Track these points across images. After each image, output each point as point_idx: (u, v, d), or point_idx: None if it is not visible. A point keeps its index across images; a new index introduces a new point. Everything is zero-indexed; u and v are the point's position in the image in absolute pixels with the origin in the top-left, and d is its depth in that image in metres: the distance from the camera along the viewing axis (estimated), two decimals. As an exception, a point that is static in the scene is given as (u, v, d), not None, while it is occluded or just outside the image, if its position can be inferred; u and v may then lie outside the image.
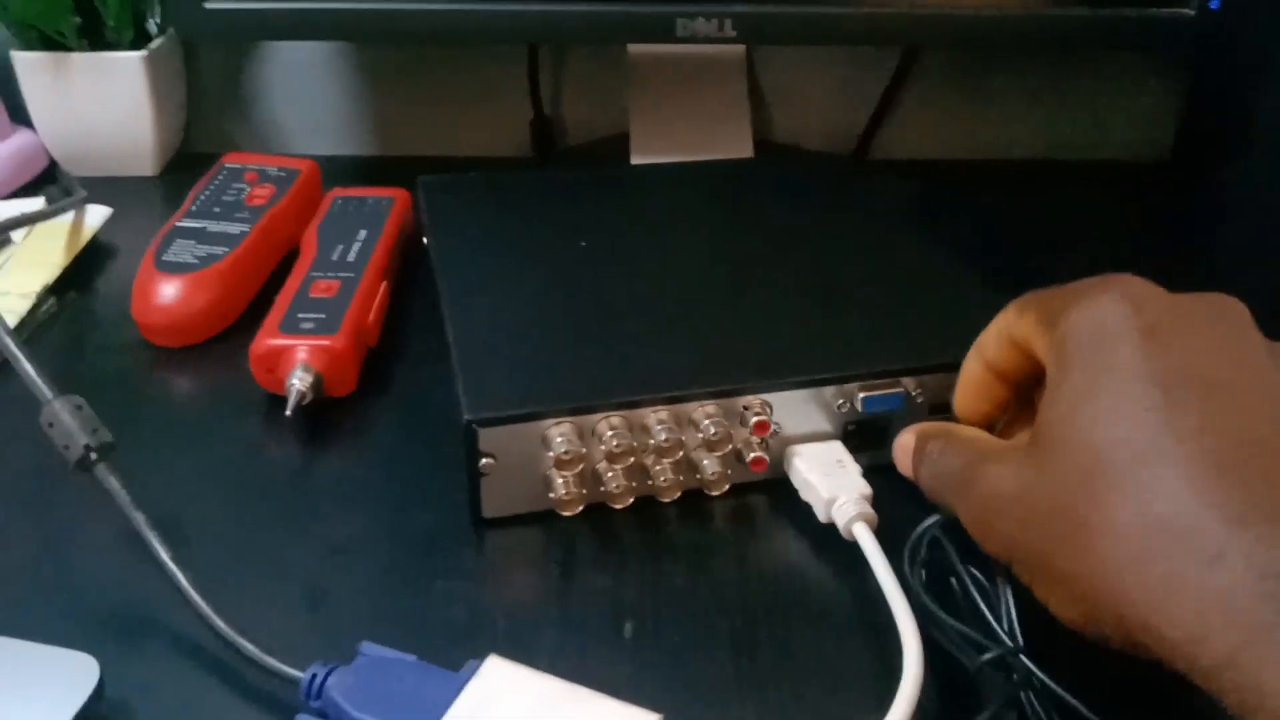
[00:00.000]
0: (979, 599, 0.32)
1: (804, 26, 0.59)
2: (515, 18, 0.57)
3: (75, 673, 0.31)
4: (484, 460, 0.37)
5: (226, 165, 0.58)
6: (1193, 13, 0.59)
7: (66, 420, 0.37)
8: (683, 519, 0.40)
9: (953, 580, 0.33)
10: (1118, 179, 0.72)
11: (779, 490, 0.41)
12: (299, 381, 0.42)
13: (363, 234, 0.52)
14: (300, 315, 0.45)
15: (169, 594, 0.34)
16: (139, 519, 0.35)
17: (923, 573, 0.34)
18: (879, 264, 0.48)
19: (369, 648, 0.32)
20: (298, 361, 0.43)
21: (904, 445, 0.36)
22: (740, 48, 0.67)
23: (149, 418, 0.45)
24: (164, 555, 0.35)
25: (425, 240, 0.52)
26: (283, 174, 0.57)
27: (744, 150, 0.66)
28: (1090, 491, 0.27)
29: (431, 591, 0.36)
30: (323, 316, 0.44)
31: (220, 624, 0.33)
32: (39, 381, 0.38)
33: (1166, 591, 0.25)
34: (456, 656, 0.31)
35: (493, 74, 0.71)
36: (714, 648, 0.34)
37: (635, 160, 0.65)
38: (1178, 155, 0.73)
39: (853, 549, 0.37)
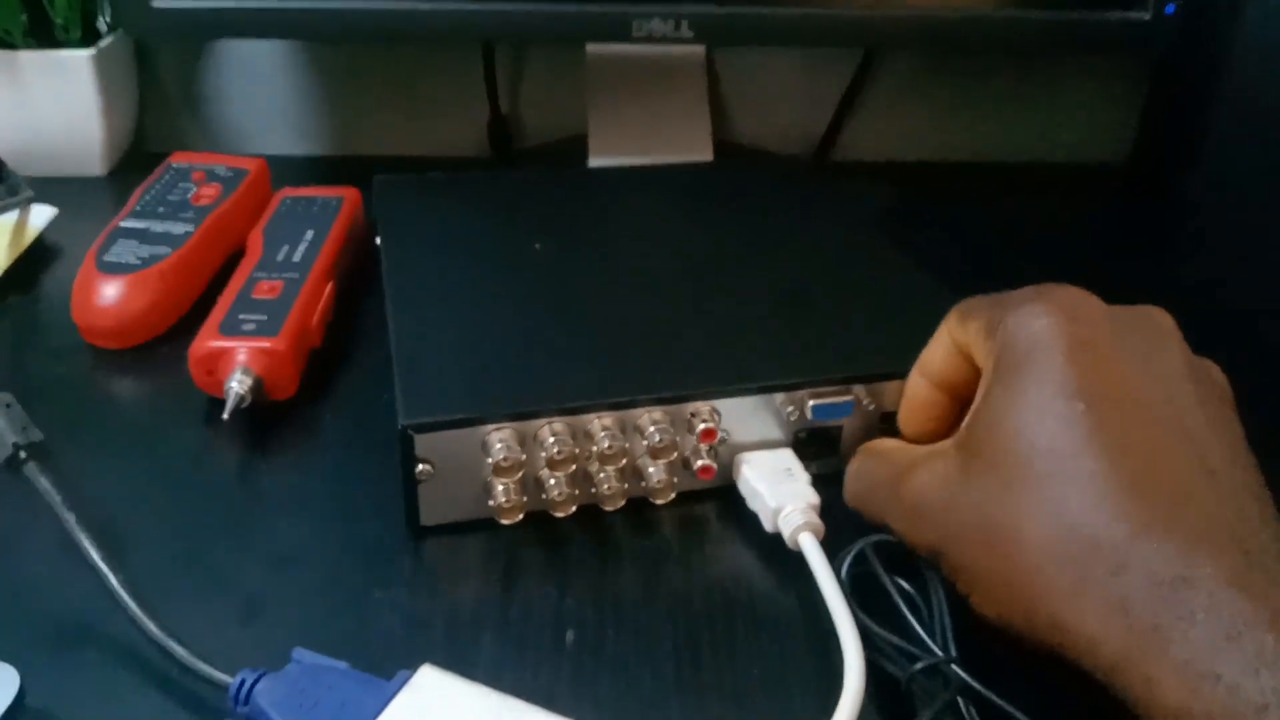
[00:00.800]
0: (907, 611, 0.32)
1: (762, 28, 0.59)
2: (470, 16, 0.57)
3: (-8, 684, 0.30)
4: (421, 467, 0.37)
5: (174, 165, 0.57)
6: (1148, 16, 0.59)
7: None
8: (627, 527, 0.39)
9: (893, 594, 0.33)
10: (1076, 182, 0.72)
11: (727, 498, 0.40)
12: (238, 384, 0.41)
13: (310, 234, 0.51)
14: (242, 316, 0.44)
15: (99, 599, 0.33)
16: (69, 519, 0.34)
17: (847, 585, 0.34)
18: (835, 270, 0.48)
19: (301, 654, 0.32)
20: (237, 364, 0.42)
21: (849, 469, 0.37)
22: (699, 48, 0.67)
23: (89, 421, 0.44)
24: (95, 556, 0.34)
25: (378, 240, 0.51)
26: (230, 173, 0.56)
27: (704, 152, 0.65)
28: (1011, 499, 0.28)
29: (370, 600, 0.36)
30: (264, 318, 0.44)
31: (150, 626, 0.32)
32: None
33: (1074, 596, 0.27)
34: (392, 667, 0.31)
35: (450, 73, 0.71)
36: (657, 657, 0.34)
37: (593, 161, 0.64)
38: (1136, 159, 0.73)
39: (799, 559, 0.36)
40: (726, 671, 0.33)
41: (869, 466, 0.36)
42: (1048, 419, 0.28)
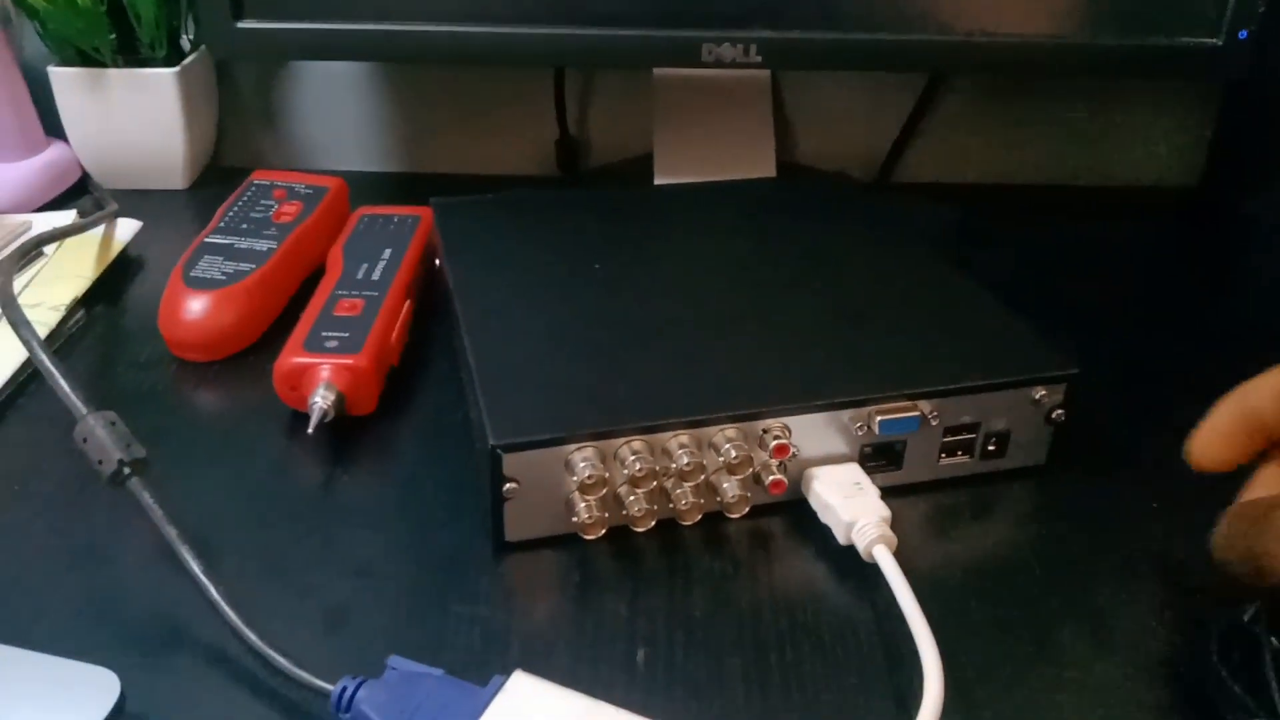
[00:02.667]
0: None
1: (829, 53, 0.60)
2: (544, 41, 0.58)
3: (95, 688, 0.31)
4: (508, 485, 0.38)
5: (255, 182, 0.59)
6: (1220, 42, 0.59)
7: (101, 436, 0.37)
8: (704, 542, 0.40)
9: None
10: (1146, 206, 0.72)
11: (797, 512, 0.41)
12: (321, 400, 0.43)
13: (388, 252, 0.53)
14: (324, 334, 0.45)
15: (197, 609, 0.35)
16: (172, 533, 0.36)
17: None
18: (899, 287, 0.48)
19: (397, 661, 0.33)
20: (320, 380, 0.43)
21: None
22: (766, 72, 0.67)
23: (175, 432, 0.45)
24: (196, 569, 0.35)
25: (438, 262, 0.52)
26: (310, 191, 0.58)
27: (767, 173, 0.66)
28: None
29: (448, 614, 0.37)
30: (346, 335, 0.45)
31: (252, 636, 0.34)
32: (73, 397, 0.38)
33: None
34: (472, 677, 0.32)
35: (520, 94, 0.72)
36: (728, 673, 0.35)
37: (659, 181, 0.65)
38: (1207, 183, 0.73)
39: (872, 571, 0.37)
40: (800, 685, 0.34)
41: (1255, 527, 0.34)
42: None
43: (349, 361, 0.44)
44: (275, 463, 0.44)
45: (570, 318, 0.45)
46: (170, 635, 0.35)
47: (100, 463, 0.37)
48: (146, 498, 0.36)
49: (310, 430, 0.42)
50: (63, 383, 0.39)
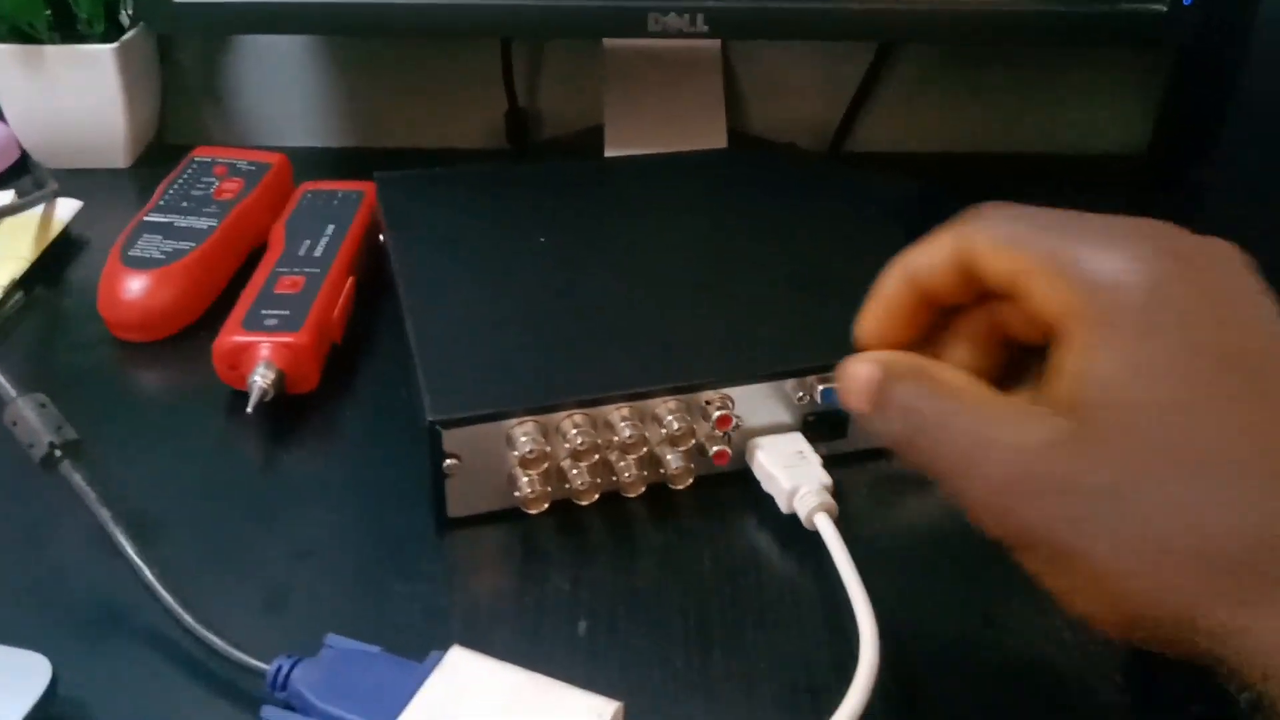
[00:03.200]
0: None
1: (778, 22, 0.59)
2: (489, 12, 0.57)
3: (26, 672, 0.31)
4: (448, 461, 0.37)
5: (196, 159, 0.58)
6: (1165, 8, 0.59)
7: (30, 418, 0.37)
8: (648, 513, 0.40)
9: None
10: (1092, 173, 0.72)
11: (743, 483, 0.41)
12: (260, 379, 0.42)
13: (330, 229, 0.52)
14: (264, 312, 0.44)
15: (133, 592, 0.34)
16: (105, 515, 0.35)
17: None
18: (847, 258, 0.48)
19: (334, 639, 0.33)
20: (260, 359, 0.43)
21: (859, 376, 0.30)
22: (716, 42, 0.67)
23: (116, 414, 0.45)
24: (130, 550, 0.35)
25: (382, 238, 0.52)
26: (253, 168, 0.57)
27: (719, 143, 0.66)
28: (1157, 482, 0.24)
29: (392, 593, 0.37)
30: (286, 313, 0.44)
31: (186, 617, 0.33)
32: (2, 380, 0.38)
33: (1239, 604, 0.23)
34: (414, 657, 0.32)
35: (468, 66, 0.71)
36: (670, 641, 0.35)
37: (610, 153, 0.65)
38: (1155, 150, 0.73)
39: (815, 539, 0.37)
40: (741, 651, 0.34)
41: (921, 401, 0.29)
42: (1180, 391, 0.24)
43: (289, 339, 0.43)
44: (217, 442, 0.43)
45: (513, 292, 0.45)
46: (106, 619, 0.35)
47: (31, 446, 0.37)
48: (78, 480, 0.36)
49: (250, 409, 0.42)
50: None
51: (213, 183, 0.56)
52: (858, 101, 0.73)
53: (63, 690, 0.31)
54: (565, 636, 0.35)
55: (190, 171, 0.57)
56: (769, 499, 0.40)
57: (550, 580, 0.37)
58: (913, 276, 0.31)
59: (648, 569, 0.38)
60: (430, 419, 0.37)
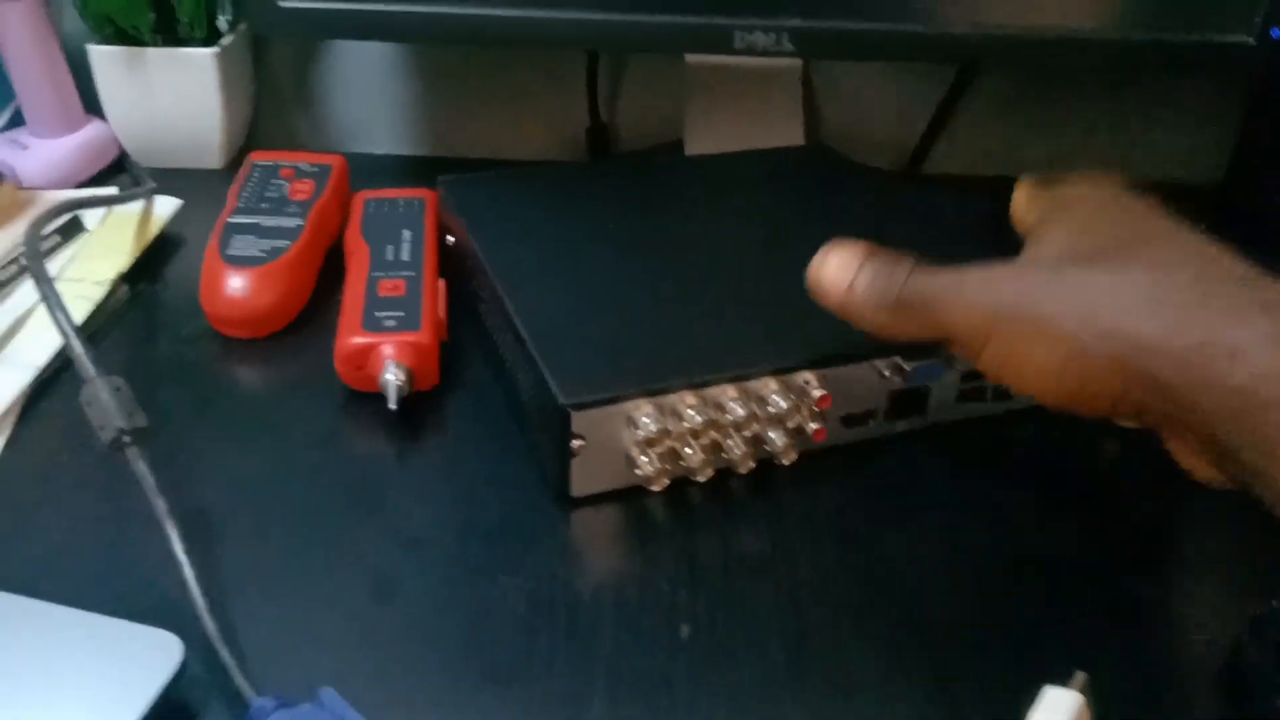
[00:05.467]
0: None
1: (862, 42, 0.60)
2: (580, 25, 0.58)
3: (158, 650, 0.32)
4: (576, 442, 0.39)
5: (256, 163, 0.59)
6: (1253, 40, 0.59)
7: (105, 400, 0.38)
8: (757, 488, 0.42)
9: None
10: (1169, 201, 0.72)
11: (846, 455, 0.44)
12: (393, 377, 0.43)
13: (407, 234, 0.53)
14: (378, 314, 0.46)
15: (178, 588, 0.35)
16: (161, 506, 0.36)
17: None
18: (923, 248, 0.49)
19: (328, 695, 0.32)
20: (388, 357, 0.44)
21: (834, 260, 0.39)
22: (798, 60, 0.68)
23: (212, 406, 0.46)
24: (177, 545, 0.35)
25: (447, 239, 0.53)
26: (316, 169, 0.58)
27: (797, 161, 0.67)
28: (1069, 290, 0.33)
29: (496, 584, 0.38)
30: (401, 314, 0.46)
31: (209, 624, 0.33)
32: (85, 359, 0.39)
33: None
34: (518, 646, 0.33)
35: (550, 78, 0.72)
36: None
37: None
38: (1230, 179, 0.73)
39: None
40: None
41: (909, 274, 0.37)
42: (1090, 230, 0.35)
43: (413, 338, 0.45)
44: (320, 434, 0.45)
45: (606, 282, 0.47)
46: (145, 612, 0.34)
47: (101, 428, 0.38)
48: (141, 467, 0.37)
49: (392, 406, 0.43)
50: (76, 344, 0.39)
51: (283, 184, 0.57)
52: (937, 122, 0.73)
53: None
54: (666, 635, 0.36)
55: (257, 174, 0.58)
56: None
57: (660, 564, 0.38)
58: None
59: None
60: (561, 402, 0.39)
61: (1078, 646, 0.36)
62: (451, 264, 0.53)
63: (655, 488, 0.41)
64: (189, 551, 0.35)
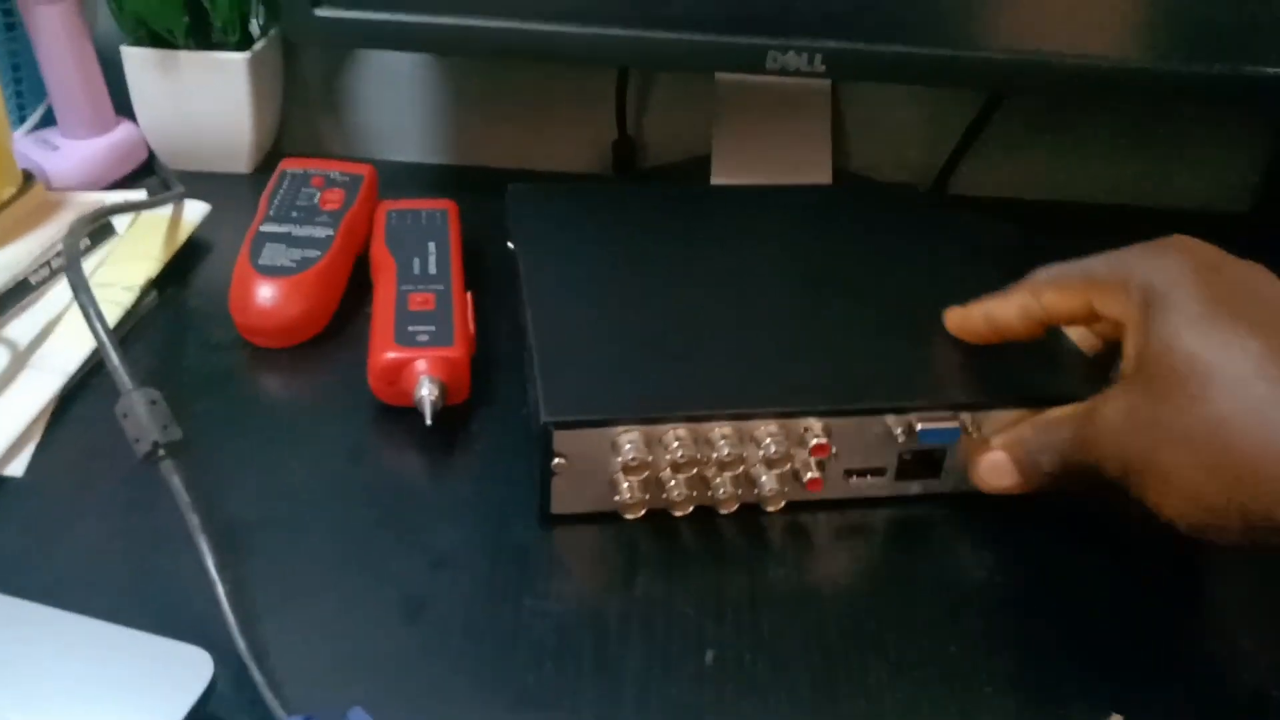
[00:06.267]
0: None
1: (893, 65, 0.60)
2: (615, 42, 0.58)
3: (189, 666, 0.32)
4: (556, 460, 0.39)
5: (287, 170, 0.59)
6: (1286, 72, 0.59)
7: (140, 413, 0.38)
8: (739, 531, 0.42)
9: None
10: (1197, 229, 0.72)
11: (834, 509, 0.43)
12: (428, 393, 0.44)
13: (432, 246, 0.53)
14: (411, 328, 0.46)
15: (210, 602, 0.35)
16: (194, 521, 0.36)
17: None
18: (947, 299, 0.48)
19: (357, 717, 0.32)
20: (422, 372, 0.44)
21: (996, 461, 0.41)
22: (826, 81, 0.68)
23: (240, 416, 0.46)
24: (210, 562, 0.35)
25: (510, 245, 0.53)
26: (347, 179, 0.58)
27: (823, 178, 0.67)
28: (1206, 408, 0.34)
29: (521, 609, 0.38)
30: (433, 328, 0.46)
31: (240, 641, 0.34)
32: (121, 371, 0.39)
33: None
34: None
35: (578, 91, 0.73)
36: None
37: (716, 183, 0.66)
38: (1261, 208, 0.73)
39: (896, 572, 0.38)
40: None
41: (1048, 436, 0.40)
42: (1213, 336, 0.35)
43: (446, 353, 0.45)
44: (348, 447, 0.45)
45: (630, 306, 0.47)
46: (174, 626, 0.35)
47: (137, 440, 0.38)
48: (175, 482, 0.37)
49: (429, 422, 0.43)
50: (113, 356, 0.40)
51: (314, 193, 0.57)
52: (964, 145, 0.73)
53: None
54: (693, 663, 0.36)
55: (288, 183, 0.58)
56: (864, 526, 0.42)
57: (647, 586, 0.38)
58: (992, 321, 0.43)
59: (736, 585, 0.39)
60: (544, 420, 0.39)
61: (1109, 689, 0.36)
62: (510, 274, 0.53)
63: (629, 515, 0.41)
64: (220, 567, 0.35)
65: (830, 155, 0.67)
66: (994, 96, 0.72)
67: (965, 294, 0.48)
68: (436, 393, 0.43)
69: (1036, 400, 0.42)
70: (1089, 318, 0.41)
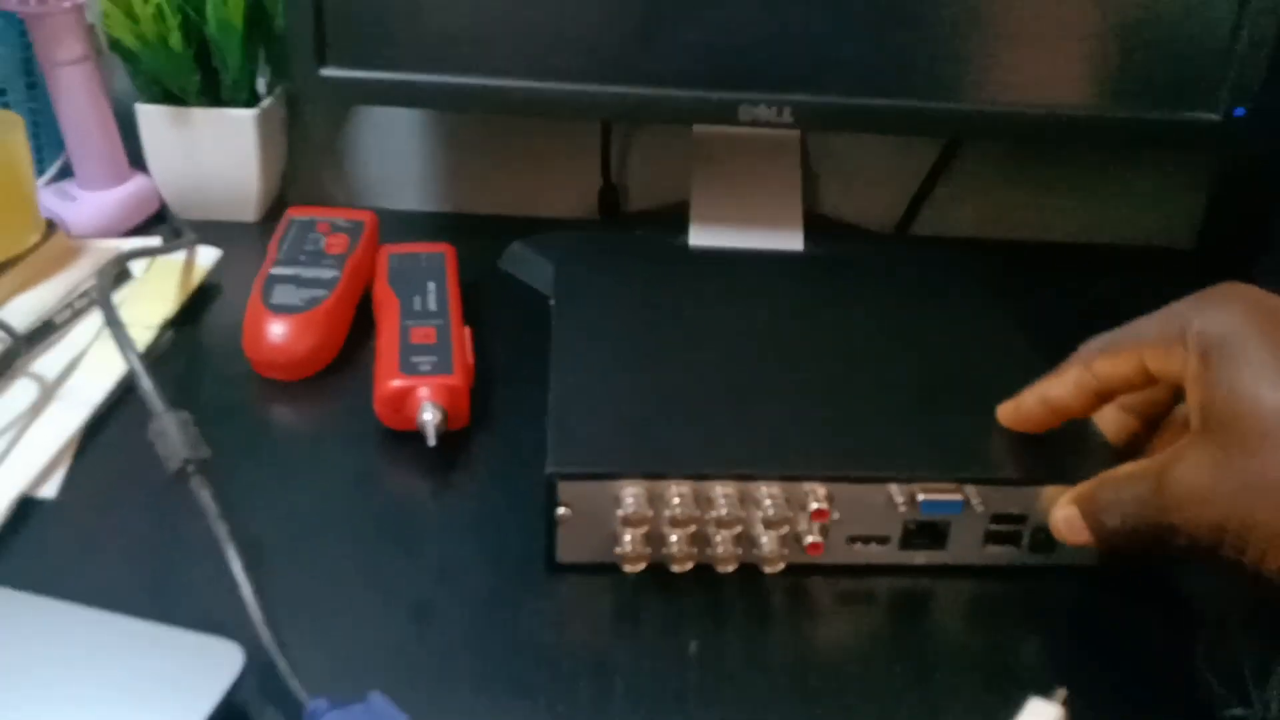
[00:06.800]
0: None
1: (857, 116, 0.65)
2: (599, 97, 0.63)
3: (219, 658, 0.35)
4: (561, 510, 0.42)
5: (294, 218, 0.63)
6: (1219, 118, 0.64)
7: (172, 433, 0.42)
8: (738, 590, 0.43)
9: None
10: (1147, 264, 0.76)
11: (832, 575, 0.44)
12: (431, 417, 0.47)
13: (432, 285, 0.57)
14: (414, 359, 0.50)
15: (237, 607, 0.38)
16: (222, 531, 0.40)
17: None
18: (952, 366, 0.51)
19: (376, 698, 0.35)
20: (425, 399, 0.48)
21: (1068, 518, 0.40)
22: (796, 131, 0.72)
23: (257, 443, 0.50)
24: (236, 566, 0.39)
25: (551, 301, 0.56)
26: (350, 225, 0.63)
27: (794, 222, 0.71)
28: (1275, 445, 0.33)
29: (513, 635, 0.40)
30: (434, 359, 0.50)
31: (265, 633, 0.37)
32: (154, 394, 0.43)
33: None
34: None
35: (566, 142, 0.77)
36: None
37: (694, 225, 0.70)
38: (1204, 242, 0.78)
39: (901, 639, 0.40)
40: None
41: (1119, 494, 0.39)
42: (1268, 375, 0.34)
43: (448, 381, 0.49)
44: (353, 475, 0.48)
45: (651, 363, 0.49)
46: (207, 626, 0.37)
47: (168, 459, 0.42)
48: (205, 496, 0.40)
49: (432, 443, 0.47)
50: (146, 380, 0.43)
51: (320, 238, 0.61)
52: (925, 189, 0.78)
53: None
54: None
55: (295, 229, 0.62)
56: (868, 594, 0.43)
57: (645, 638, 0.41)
58: (1048, 400, 0.43)
59: (733, 645, 0.40)
60: (549, 470, 0.41)
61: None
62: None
63: (628, 568, 0.42)
64: (246, 569, 0.39)
65: (800, 199, 0.72)
66: (951, 141, 0.76)
67: (966, 360, 0.51)
68: (439, 416, 0.47)
69: (1045, 475, 0.43)
70: (1145, 381, 0.40)
